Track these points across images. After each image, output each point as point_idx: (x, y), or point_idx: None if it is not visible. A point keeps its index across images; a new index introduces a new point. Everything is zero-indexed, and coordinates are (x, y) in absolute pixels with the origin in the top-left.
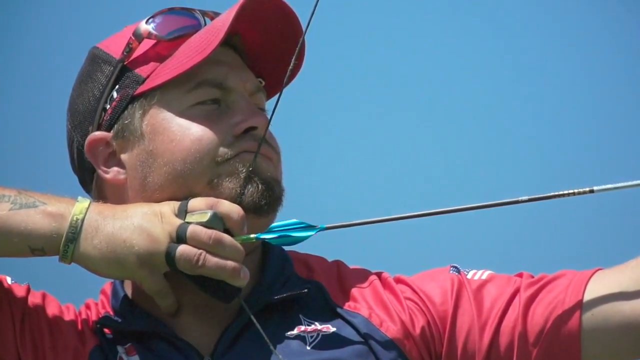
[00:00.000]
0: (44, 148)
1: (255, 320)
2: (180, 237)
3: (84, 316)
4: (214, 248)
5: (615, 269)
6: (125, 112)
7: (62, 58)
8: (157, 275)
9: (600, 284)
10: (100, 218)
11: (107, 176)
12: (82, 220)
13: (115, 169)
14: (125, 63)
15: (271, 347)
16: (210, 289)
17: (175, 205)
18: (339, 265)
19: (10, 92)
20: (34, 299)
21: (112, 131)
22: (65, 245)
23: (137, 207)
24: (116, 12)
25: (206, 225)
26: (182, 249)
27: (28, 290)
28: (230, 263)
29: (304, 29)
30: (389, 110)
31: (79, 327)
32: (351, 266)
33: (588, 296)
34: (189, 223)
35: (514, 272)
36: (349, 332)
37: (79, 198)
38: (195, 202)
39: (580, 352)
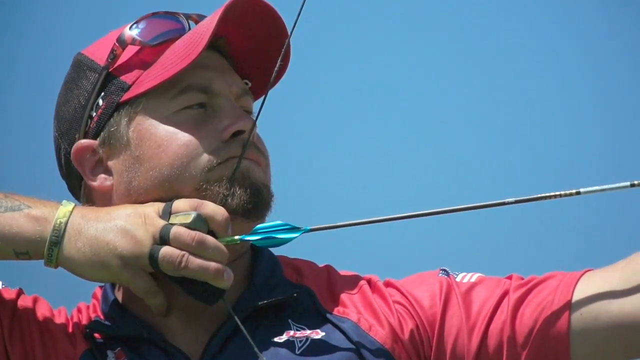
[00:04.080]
0: (38, 151)
1: (242, 326)
2: (163, 239)
3: (75, 320)
4: (197, 249)
5: (604, 269)
6: (111, 119)
7: (57, 60)
8: (143, 276)
9: (589, 285)
10: (84, 221)
11: (94, 184)
12: (66, 223)
13: (102, 176)
14: (110, 70)
15: (258, 353)
16: (194, 290)
17: (159, 206)
18: (329, 270)
19: (7, 94)
20: (24, 302)
21: (98, 139)
22: (50, 249)
23: (121, 209)
24: (108, 13)
25: (190, 226)
26: (165, 250)
27: (19, 294)
28: (213, 264)
29: (289, 30)
30: (376, 111)
31: (70, 330)
32: (341, 271)
33: (577, 296)
34: (173, 224)
35: (501, 274)
36: (338, 337)
37: (64, 202)
38: (179, 204)
39: (570, 352)
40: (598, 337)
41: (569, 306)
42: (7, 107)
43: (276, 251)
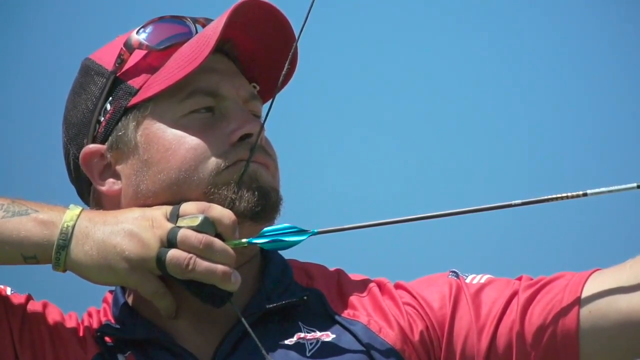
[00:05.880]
0: (46, 156)
1: (250, 329)
2: (170, 242)
3: (86, 324)
4: (204, 252)
5: (613, 268)
6: (119, 123)
7: (68, 65)
8: (150, 279)
9: (597, 283)
10: (91, 224)
11: (102, 188)
12: (73, 227)
13: (111, 180)
14: (117, 75)
15: (266, 356)
16: (202, 293)
17: (167, 209)
18: (339, 273)
19: (15, 99)
20: (34, 307)
21: (106, 143)
22: (57, 252)
23: (128, 212)
24: (117, 16)
25: (197, 229)
26: (172, 253)
27: (28, 300)
28: (220, 267)
29: (296, 34)
30: (384, 113)
31: (81, 334)
32: (351, 275)
33: (586, 295)
34: (180, 227)
35: (509, 275)
36: (348, 339)
37: (71, 206)
38: (187, 207)
39: (579, 350)
40: (607, 335)
41: (578, 304)
42: (15, 112)
43: (286, 254)
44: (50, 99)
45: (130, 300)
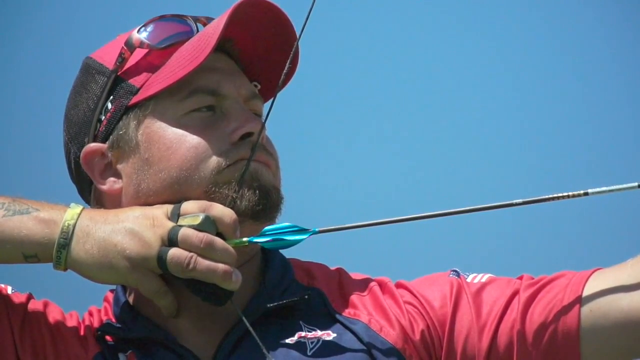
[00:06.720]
0: (48, 155)
1: (250, 328)
2: (171, 240)
3: (87, 323)
4: (205, 251)
5: (614, 267)
6: (120, 122)
7: (66, 62)
8: (151, 278)
9: (598, 282)
10: (92, 223)
11: (103, 187)
12: (74, 226)
13: (112, 179)
14: (118, 73)
15: (267, 355)
16: (203, 292)
17: (168, 208)
18: (340, 272)
19: (16, 97)
20: (34, 306)
21: (107, 142)
22: (58, 251)
23: (129, 211)
24: (117, 15)
25: (198, 228)
26: (173, 252)
27: (28, 299)
28: (221, 266)
29: (297, 32)
30: (384, 112)
31: (82, 333)
32: (352, 274)
33: (587, 294)
34: (181, 226)
35: (510, 274)
36: (349, 338)
37: (72, 204)
38: (188, 206)
39: (580, 349)
40: (608, 334)
41: (579, 303)
42: (16, 111)
43: (287, 253)
44: (50, 98)
45: (131, 299)
